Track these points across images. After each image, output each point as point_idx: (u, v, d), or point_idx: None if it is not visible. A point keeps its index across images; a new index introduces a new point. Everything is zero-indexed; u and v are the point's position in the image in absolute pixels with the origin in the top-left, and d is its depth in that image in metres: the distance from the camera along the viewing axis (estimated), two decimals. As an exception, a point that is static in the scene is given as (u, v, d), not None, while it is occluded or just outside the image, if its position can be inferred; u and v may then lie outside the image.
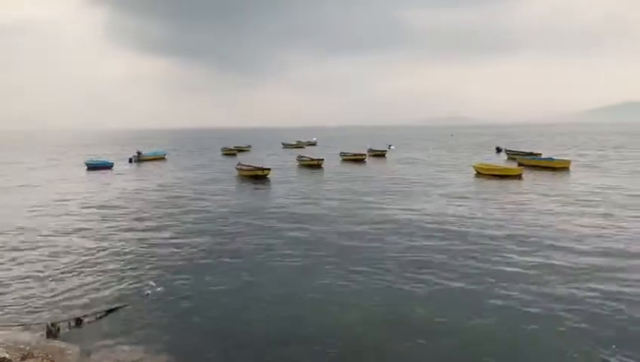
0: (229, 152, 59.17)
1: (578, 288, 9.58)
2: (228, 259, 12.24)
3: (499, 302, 9.04)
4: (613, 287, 9.58)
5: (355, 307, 9.02)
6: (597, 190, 22.17)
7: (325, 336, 7.92)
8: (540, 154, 40.96)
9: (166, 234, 15.11)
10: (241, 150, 64.47)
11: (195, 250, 13.24)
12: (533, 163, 34.86)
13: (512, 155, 43.50)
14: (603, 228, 14.58)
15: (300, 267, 11.47)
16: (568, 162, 33.32)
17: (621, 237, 13.47)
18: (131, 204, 21.26)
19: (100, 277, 11.00)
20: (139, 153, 48.03)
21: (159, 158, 49.57)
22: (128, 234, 15.24)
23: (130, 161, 45.54)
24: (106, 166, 39.68)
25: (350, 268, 11.16)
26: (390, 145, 64.71)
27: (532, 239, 13.43)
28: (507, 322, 8.23)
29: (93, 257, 12.66)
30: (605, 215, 16.35)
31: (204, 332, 8.19)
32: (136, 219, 17.60)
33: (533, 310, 8.63)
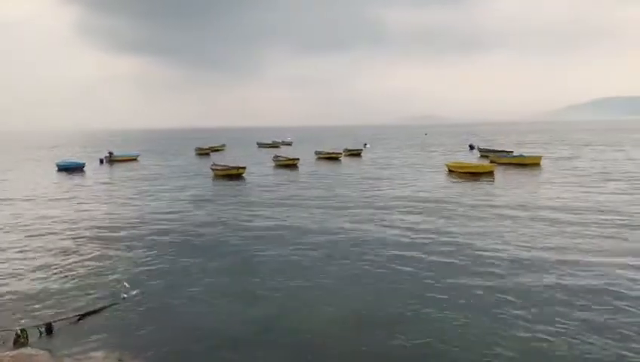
0: (203, 152, 58.67)
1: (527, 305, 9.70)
2: (202, 262, 12.11)
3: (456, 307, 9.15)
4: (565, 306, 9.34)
5: (326, 308, 9.04)
6: (563, 188, 22.69)
7: (298, 335, 7.95)
8: (512, 152, 41.69)
9: (139, 238, 14.88)
10: (215, 150, 63.95)
11: (169, 253, 13.08)
12: (505, 160, 35.45)
13: (485, 153, 44.16)
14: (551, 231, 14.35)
15: (273, 269, 11.42)
16: (539, 158, 34.07)
17: (574, 243, 13.21)
18: (100, 206, 20.88)
19: (73, 282, 10.77)
20: (110, 154, 47.16)
21: (131, 159, 48.74)
22: (100, 238, 14.98)
23: (102, 162, 44.71)
24: (78, 167, 38.87)
25: (320, 272, 11.15)
26: (366, 144, 65.05)
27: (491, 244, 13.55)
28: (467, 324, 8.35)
29: (65, 262, 12.38)
30: (563, 220, 16.23)
31: (180, 336, 8.08)
32: (106, 223, 17.29)
33: (493, 313, 8.76)
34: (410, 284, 10.09)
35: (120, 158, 47.51)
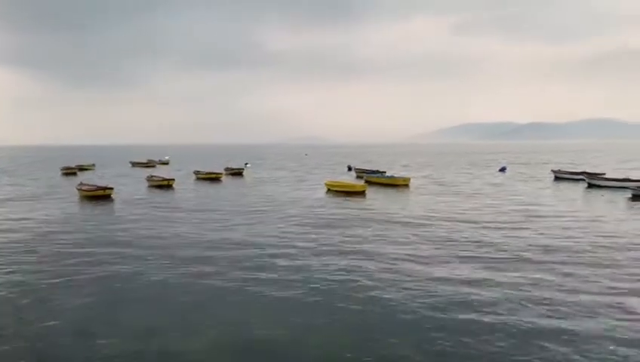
0: (70, 171, 54.18)
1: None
2: (59, 290, 11.08)
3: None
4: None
5: (197, 334, 8.76)
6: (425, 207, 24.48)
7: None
8: (385, 173, 44.12)
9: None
10: (83, 169, 59.73)
11: (22, 279, 11.76)
12: (378, 180, 37.47)
13: (361, 173, 46.28)
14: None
15: (141, 295, 10.83)
16: (408, 179, 36.44)
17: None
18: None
19: None
20: (-43, 173, 41.91)
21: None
22: None
23: (-55, 183, 39.48)
24: None
25: (186, 296, 10.79)
26: (247, 164, 64.92)
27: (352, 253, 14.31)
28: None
29: None
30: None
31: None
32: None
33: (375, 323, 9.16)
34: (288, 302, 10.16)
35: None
